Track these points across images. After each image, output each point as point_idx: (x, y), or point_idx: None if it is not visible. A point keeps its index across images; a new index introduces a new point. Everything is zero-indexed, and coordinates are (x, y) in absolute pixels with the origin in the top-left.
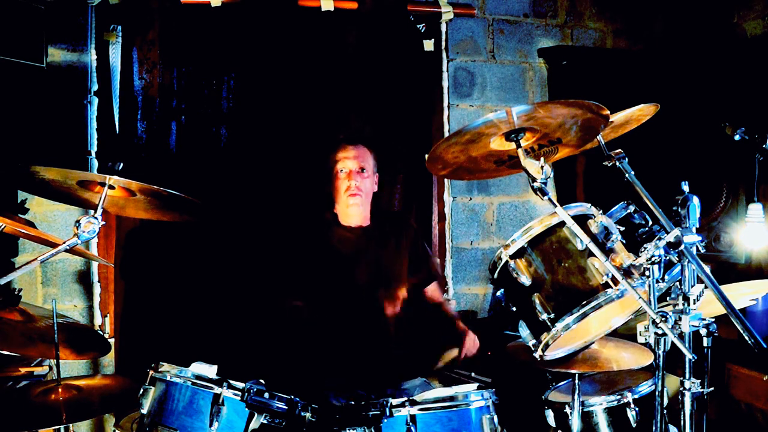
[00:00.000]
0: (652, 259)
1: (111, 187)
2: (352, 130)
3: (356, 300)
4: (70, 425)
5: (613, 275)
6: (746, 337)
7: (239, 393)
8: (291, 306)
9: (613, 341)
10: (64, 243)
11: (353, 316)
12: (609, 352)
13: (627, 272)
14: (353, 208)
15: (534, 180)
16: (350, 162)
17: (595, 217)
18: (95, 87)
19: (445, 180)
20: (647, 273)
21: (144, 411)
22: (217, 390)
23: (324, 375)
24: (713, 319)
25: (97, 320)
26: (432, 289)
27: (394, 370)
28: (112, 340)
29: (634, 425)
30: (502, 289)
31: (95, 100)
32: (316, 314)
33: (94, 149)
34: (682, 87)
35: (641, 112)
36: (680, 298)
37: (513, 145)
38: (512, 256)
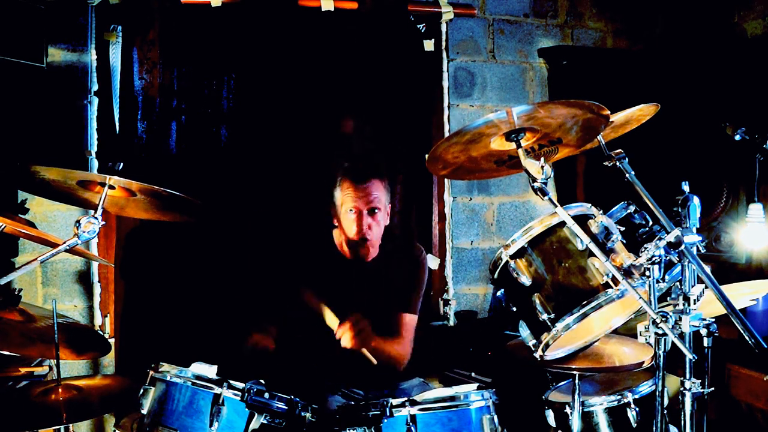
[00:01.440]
0: (653, 259)
1: (111, 187)
2: (354, 131)
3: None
4: (70, 425)
5: (613, 275)
6: (746, 337)
7: (239, 393)
8: (290, 311)
9: (615, 337)
10: (64, 243)
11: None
12: (610, 348)
13: (627, 272)
14: (362, 251)
15: (534, 180)
16: (359, 203)
17: (595, 217)
18: (95, 87)
19: (445, 180)
20: (647, 273)
21: (144, 411)
22: (217, 390)
23: (323, 376)
24: (713, 319)
25: (97, 320)
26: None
27: (392, 370)
28: (112, 340)
29: (634, 425)
30: (503, 289)
31: (95, 100)
32: (314, 320)
33: (94, 149)
34: (682, 87)
35: (641, 112)
36: (680, 298)
37: (513, 145)
38: (512, 256)
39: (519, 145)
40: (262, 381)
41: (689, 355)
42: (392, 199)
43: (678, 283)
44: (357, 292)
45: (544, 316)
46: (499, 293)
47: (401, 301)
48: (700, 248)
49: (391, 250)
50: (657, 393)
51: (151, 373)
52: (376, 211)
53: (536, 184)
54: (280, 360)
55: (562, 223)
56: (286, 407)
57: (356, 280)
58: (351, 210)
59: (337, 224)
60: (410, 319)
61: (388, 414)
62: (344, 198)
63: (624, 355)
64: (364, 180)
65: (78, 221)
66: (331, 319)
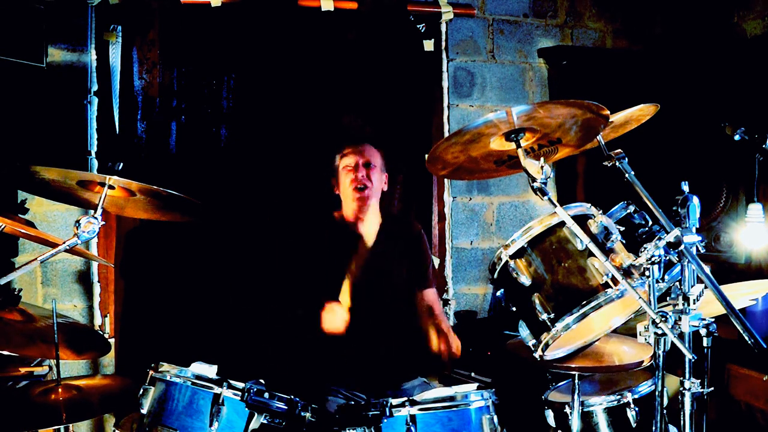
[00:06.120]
0: (652, 259)
1: (111, 187)
2: (354, 131)
3: (357, 303)
4: (70, 425)
5: (613, 275)
6: (746, 337)
7: (239, 393)
8: (290, 309)
9: (614, 336)
10: (64, 243)
11: (353, 318)
12: (610, 347)
13: (627, 272)
14: (360, 204)
15: (534, 180)
16: (354, 157)
17: (595, 217)
18: (95, 87)
19: (445, 180)
20: (647, 273)
21: (144, 411)
22: (217, 390)
23: (324, 376)
24: (713, 319)
25: (97, 320)
26: (430, 296)
27: (393, 370)
28: (112, 340)
29: (634, 425)
30: (502, 289)
31: (95, 100)
32: (316, 316)
33: (94, 149)
34: (682, 87)
35: (641, 112)
36: (680, 298)
37: (513, 145)
38: (512, 256)
39: (519, 145)
40: (262, 381)
41: (689, 355)
42: (392, 198)
43: (677, 283)
44: (364, 262)
45: (544, 316)
46: (498, 293)
47: (414, 277)
48: (700, 248)
49: (390, 227)
50: (656, 393)
51: (151, 372)
52: (371, 165)
53: (536, 184)
54: (281, 360)
55: (562, 223)
56: (286, 407)
57: (362, 250)
58: (348, 166)
59: (344, 215)
60: (431, 294)
61: (387, 414)
62: (342, 163)
63: (624, 354)
64: (358, 143)
65: (78, 221)
66: (345, 296)
